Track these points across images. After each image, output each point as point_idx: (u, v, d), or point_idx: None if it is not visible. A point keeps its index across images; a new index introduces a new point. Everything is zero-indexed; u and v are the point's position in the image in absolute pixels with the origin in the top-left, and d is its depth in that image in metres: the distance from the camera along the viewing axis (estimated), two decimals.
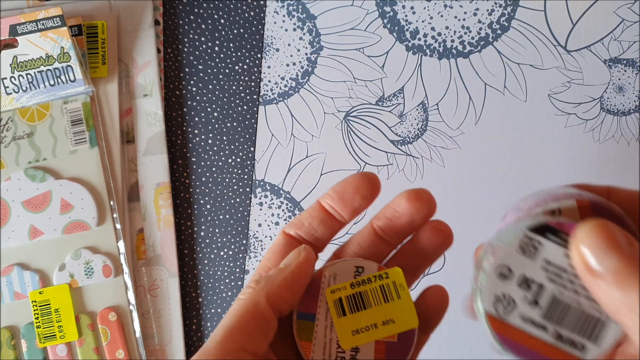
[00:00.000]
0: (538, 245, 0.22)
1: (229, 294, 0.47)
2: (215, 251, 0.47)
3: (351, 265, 0.28)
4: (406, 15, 0.47)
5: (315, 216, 0.28)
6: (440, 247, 0.29)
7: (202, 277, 0.47)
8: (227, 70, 0.47)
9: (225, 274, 0.47)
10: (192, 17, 0.47)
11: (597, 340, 0.22)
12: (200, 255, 0.47)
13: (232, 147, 0.47)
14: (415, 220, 0.28)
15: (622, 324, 0.20)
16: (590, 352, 0.22)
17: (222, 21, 0.47)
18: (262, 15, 0.47)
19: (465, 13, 0.47)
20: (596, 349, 0.22)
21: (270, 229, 0.47)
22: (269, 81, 0.47)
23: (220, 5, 0.47)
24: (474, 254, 0.26)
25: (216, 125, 0.47)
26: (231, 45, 0.47)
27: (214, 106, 0.47)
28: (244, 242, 0.47)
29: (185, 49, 0.47)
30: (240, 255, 0.47)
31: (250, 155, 0.47)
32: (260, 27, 0.47)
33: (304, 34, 0.47)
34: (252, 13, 0.47)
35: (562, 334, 0.22)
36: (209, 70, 0.47)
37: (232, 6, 0.47)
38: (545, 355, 0.22)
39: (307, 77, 0.47)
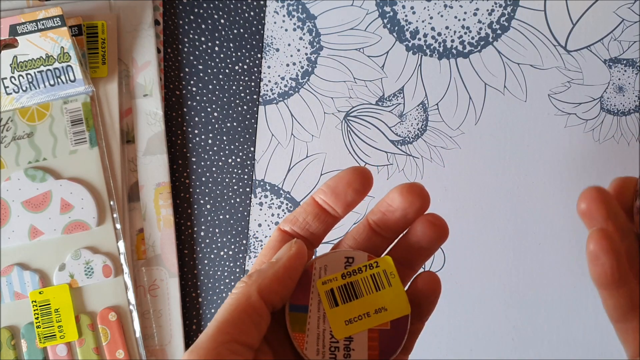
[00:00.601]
0: None
1: (229, 294, 0.47)
2: (215, 251, 0.47)
3: (341, 256, 0.28)
4: (406, 15, 0.47)
5: (310, 211, 0.29)
6: (436, 241, 0.29)
7: (202, 277, 0.47)
8: (227, 70, 0.47)
9: (225, 274, 0.47)
10: (192, 17, 0.47)
11: None
12: (200, 255, 0.47)
13: (232, 147, 0.47)
14: (409, 214, 0.28)
15: None
16: None
17: (222, 21, 0.47)
18: (262, 15, 0.47)
19: (465, 13, 0.47)
20: None
21: (270, 229, 0.47)
22: (269, 81, 0.47)
23: (220, 5, 0.47)
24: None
25: (216, 125, 0.47)
26: (231, 45, 0.47)
27: (214, 106, 0.47)
28: (244, 242, 0.47)
29: (185, 49, 0.47)
30: (240, 255, 0.47)
31: (250, 155, 0.47)
32: (260, 27, 0.47)
33: (304, 34, 0.47)
34: (252, 13, 0.47)
35: None
36: (209, 70, 0.47)
37: (232, 6, 0.47)
38: None
39: (307, 77, 0.47)
